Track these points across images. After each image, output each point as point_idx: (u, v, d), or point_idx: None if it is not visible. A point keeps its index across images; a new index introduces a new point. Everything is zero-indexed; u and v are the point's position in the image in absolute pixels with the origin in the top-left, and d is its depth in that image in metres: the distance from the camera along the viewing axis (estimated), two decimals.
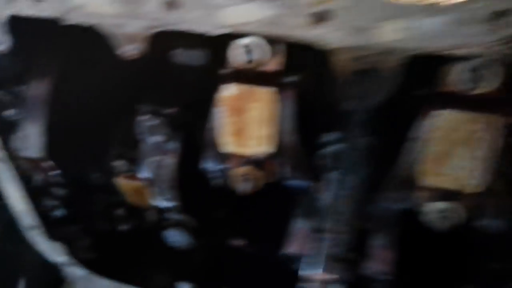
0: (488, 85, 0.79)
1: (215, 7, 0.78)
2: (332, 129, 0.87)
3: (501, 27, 0.67)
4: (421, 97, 0.87)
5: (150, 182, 1.11)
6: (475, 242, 0.97)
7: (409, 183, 0.91)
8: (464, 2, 0.66)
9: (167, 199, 1.10)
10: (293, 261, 1.12)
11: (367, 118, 0.84)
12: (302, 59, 0.86)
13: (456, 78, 0.81)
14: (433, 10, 0.69)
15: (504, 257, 0.96)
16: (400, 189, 0.94)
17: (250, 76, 0.92)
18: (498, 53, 0.69)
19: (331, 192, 0.97)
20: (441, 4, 0.68)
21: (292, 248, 1.09)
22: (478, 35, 0.68)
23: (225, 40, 0.90)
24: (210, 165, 1.08)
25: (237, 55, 0.92)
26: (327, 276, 1.06)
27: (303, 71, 0.90)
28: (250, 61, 0.91)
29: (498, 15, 0.67)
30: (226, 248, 1.21)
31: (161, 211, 1.16)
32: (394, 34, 0.72)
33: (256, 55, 0.91)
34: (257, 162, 0.97)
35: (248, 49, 0.90)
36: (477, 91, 0.80)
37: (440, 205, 0.88)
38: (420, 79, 0.88)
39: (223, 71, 0.97)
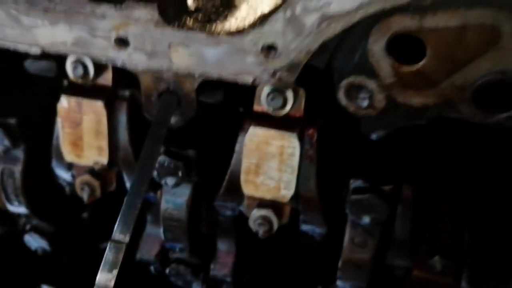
0: (287, 107, 0.88)
1: (28, 27, 0.81)
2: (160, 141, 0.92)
3: (270, 59, 0.74)
4: (242, 114, 0.95)
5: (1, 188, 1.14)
6: (301, 247, 1.06)
7: (235, 192, 0.99)
8: (236, 34, 0.73)
9: (19, 206, 1.13)
10: (148, 264, 1.19)
11: (178, 133, 0.91)
12: (130, 75, 0.91)
13: (262, 99, 0.89)
14: (213, 40, 0.76)
15: (324, 258, 1.06)
16: (229, 198, 1.02)
17: (83, 89, 0.97)
18: (278, 81, 0.76)
19: (166, 200, 1.03)
20: (219, 35, 0.75)
21: (143, 252, 1.16)
22: (253, 65, 0.76)
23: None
24: (58, 173, 1.12)
25: (70, 69, 0.96)
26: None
27: (131, 87, 0.95)
28: (82, 76, 0.96)
29: (267, 48, 0.75)
30: (89, 251, 1.25)
31: (18, 216, 1.19)
32: (183, 60, 0.78)
33: (87, 71, 0.95)
34: (94, 172, 1.02)
35: (78, 64, 0.94)
36: (279, 111, 0.89)
37: (258, 212, 0.97)
38: (242, 98, 0.96)
39: (63, 84, 1.01)
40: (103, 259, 0.72)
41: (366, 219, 0.91)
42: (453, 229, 1.03)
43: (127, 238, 0.74)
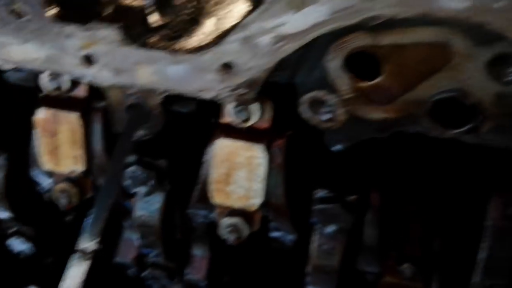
0: (253, 119, 0.90)
1: (1, 44, 0.84)
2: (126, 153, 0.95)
3: (229, 77, 0.77)
4: (211, 126, 0.97)
5: None
6: (274, 252, 1.09)
7: (207, 201, 1.02)
8: (196, 52, 0.75)
9: (2, 211, 1.16)
10: (126, 268, 1.22)
11: (151, 143, 0.94)
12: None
13: (228, 112, 0.91)
14: (175, 58, 0.78)
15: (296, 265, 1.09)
16: (201, 206, 1.04)
17: (58, 101, 1.00)
18: (239, 97, 0.79)
19: (140, 208, 1.06)
20: (180, 53, 0.77)
21: (121, 256, 1.19)
22: (213, 82, 0.78)
23: None
24: (39, 180, 1.16)
25: (45, 82, 0.99)
26: None
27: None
28: (57, 88, 0.98)
29: (225, 66, 0.77)
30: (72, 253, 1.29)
31: (1, 221, 1.22)
32: (147, 77, 0.81)
33: (62, 84, 0.98)
34: (71, 180, 1.05)
35: (53, 78, 0.97)
36: (245, 123, 0.91)
37: (228, 220, 0.99)
38: (214, 109, 0.98)
39: (40, 95, 1.04)
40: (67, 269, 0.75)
41: (331, 228, 0.94)
42: (422, 236, 1.05)
43: (92, 248, 0.77)
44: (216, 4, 0.84)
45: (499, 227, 0.85)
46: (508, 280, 0.89)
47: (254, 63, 0.74)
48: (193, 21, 0.82)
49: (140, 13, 0.84)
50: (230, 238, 0.99)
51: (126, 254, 1.17)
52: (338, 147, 0.88)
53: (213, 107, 0.97)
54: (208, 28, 0.81)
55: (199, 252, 1.15)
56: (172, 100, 0.92)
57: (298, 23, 0.70)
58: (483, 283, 0.87)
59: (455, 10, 0.64)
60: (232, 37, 0.72)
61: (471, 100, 0.74)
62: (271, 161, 0.93)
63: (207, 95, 0.79)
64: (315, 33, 0.71)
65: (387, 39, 0.74)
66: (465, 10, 0.63)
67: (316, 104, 0.85)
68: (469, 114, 0.76)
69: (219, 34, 0.74)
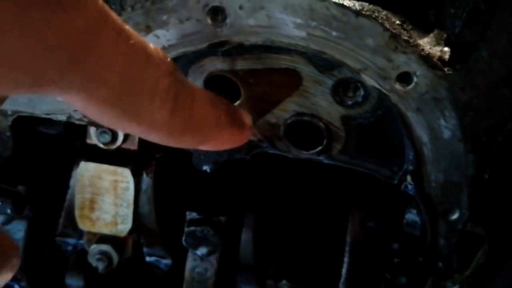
0: (117, 141, 0.88)
1: None
2: None
3: None
4: (75, 149, 0.94)
5: None
6: (150, 279, 1.06)
7: (74, 228, 0.97)
8: None
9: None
10: None
11: (10, 168, 0.88)
12: None
13: (91, 133, 0.88)
14: None
15: None
16: (68, 234, 0.99)
17: None
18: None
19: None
20: None
21: None
22: (64, 104, 0.75)
23: None
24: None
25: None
26: None
27: None
28: None
29: None
30: None
31: None
32: None
33: None
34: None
35: None
36: (110, 145, 0.89)
37: (97, 248, 0.96)
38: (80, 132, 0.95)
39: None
40: None
41: (202, 250, 0.93)
42: (297, 253, 1.09)
43: None
44: None
45: (359, 240, 0.91)
46: None
47: None
48: None
49: None
50: (100, 266, 0.94)
51: None
52: (206, 168, 0.88)
53: (82, 128, 0.93)
54: None
55: (72, 281, 1.09)
56: (38, 121, 0.87)
57: None
58: None
59: (296, 38, 0.67)
60: None
61: (322, 123, 0.79)
62: (139, 185, 0.91)
63: (58, 118, 0.75)
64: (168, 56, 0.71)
65: (242, 64, 0.76)
66: (304, 39, 0.67)
67: None
68: (322, 137, 0.81)
69: None
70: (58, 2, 0.39)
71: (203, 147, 0.60)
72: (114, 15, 0.45)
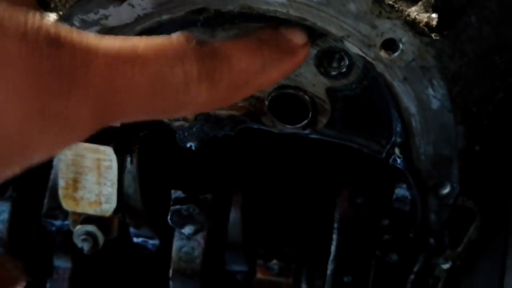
0: None
1: None
2: None
3: None
4: None
5: None
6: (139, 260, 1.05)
7: (59, 209, 0.96)
8: None
9: None
10: None
11: None
12: None
13: None
14: None
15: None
16: (53, 215, 0.98)
17: None
18: None
19: None
20: None
21: None
22: None
23: None
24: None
25: None
26: None
27: None
28: None
29: None
30: None
31: None
32: None
33: None
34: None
35: None
36: None
37: (82, 228, 0.94)
38: None
39: None
40: None
41: (188, 229, 0.92)
42: (286, 231, 1.07)
43: None
44: None
45: (347, 217, 0.89)
46: (359, 269, 0.93)
47: None
48: None
49: None
50: (85, 246, 0.93)
51: None
52: (190, 144, 0.86)
53: None
54: None
55: (60, 263, 1.08)
56: None
57: (122, 16, 0.67)
58: (335, 273, 0.90)
59: (275, 3, 0.64)
60: None
61: (307, 96, 0.76)
62: (123, 163, 0.90)
63: None
64: (143, 26, 0.68)
65: (222, 35, 0.73)
66: (284, 5, 0.64)
67: None
68: (308, 110, 0.78)
69: None
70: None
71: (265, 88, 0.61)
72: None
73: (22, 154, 0.42)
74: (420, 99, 0.70)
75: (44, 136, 0.42)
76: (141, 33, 0.70)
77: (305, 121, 0.76)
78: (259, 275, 1.11)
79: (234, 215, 1.00)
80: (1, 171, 0.41)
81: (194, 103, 0.51)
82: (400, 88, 0.69)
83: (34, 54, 0.39)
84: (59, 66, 0.41)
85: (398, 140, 0.75)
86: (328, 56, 0.72)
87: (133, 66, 0.47)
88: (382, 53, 0.66)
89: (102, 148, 0.86)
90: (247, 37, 0.58)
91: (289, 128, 0.78)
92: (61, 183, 0.90)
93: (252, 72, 0.55)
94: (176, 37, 0.52)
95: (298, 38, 0.63)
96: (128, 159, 0.89)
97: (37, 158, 0.43)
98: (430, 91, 0.70)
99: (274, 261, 1.05)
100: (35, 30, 0.40)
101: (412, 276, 0.91)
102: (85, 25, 0.69)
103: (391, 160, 0.78)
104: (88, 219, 0.92)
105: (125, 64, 0.46)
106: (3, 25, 0.38)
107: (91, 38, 0.45)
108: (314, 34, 0.69)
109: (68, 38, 0.43)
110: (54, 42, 0.41)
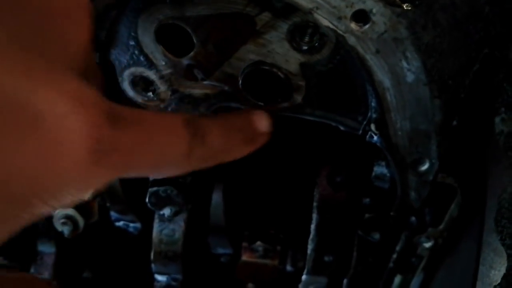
0: None
1: None
2: None
3: None
4: None
5: None
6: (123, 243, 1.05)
7: None
8: None
9: None
10: None
11: None
12: None
13: None
14: None
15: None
16: None
17: None
18: None
19: None
20: None
21: None
22: None
23: None
24: None
25: None
26: None
27: None
28: None
29: None
30: None
31: None
32: None
33: None
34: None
35: None
36: None
37: (62, 211, 0.94)
38: None
39: None
40: None
41: (167, 211, 0.91)
42: (272, 213, 1.07)
43: None
44: None
45: (326, 195, 0.88)
46: (340, 249, 0.92)
47: None
48: None
49: None
50: (65, 230, 0.93)
51: None
52: None
53: None
54: None
55: (44, 248, 1.08)
56: None
57: None
58: (316, 253, 0.89)
59: None
60: None
61: (281, 73, 0.75)
62: None
63: None
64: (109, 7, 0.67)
65: (191, 10, 0.71)
66: None
67: (138, 81, 0.82)
68: (282, 88, 0.77)
69: None
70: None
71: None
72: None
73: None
74: (394, 72, 0.68)
75: None
76: (118, 15, 0.70)
77: (280, 99, 0.75)
78: (244, 258, 1.11)
79: (216, 197, 0.99)
80: None
81: (175, 168, 0.60)
82: (373, 61, 0.67)
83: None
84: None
85: (374, 115, 0.74)
86: (301, 30, 0.70)
87: (140, 134, 0.53)
88: (353, 25, 0.64)
89: None
90: (223, 120, 0.67)
91: (264, 107, 0.77)
92: None
93: (219, 151, 0.64)
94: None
95: (263, 125, 0.70)
96: None
97: None
98: (404, 63, 0.68)
99: (259, 243, 1.05)
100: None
101: (394, 255, 0.91)
102: None
103: (367, 136, 0.77)
104: None
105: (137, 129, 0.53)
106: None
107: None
108: (287, 8, 0.68)
109: None
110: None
